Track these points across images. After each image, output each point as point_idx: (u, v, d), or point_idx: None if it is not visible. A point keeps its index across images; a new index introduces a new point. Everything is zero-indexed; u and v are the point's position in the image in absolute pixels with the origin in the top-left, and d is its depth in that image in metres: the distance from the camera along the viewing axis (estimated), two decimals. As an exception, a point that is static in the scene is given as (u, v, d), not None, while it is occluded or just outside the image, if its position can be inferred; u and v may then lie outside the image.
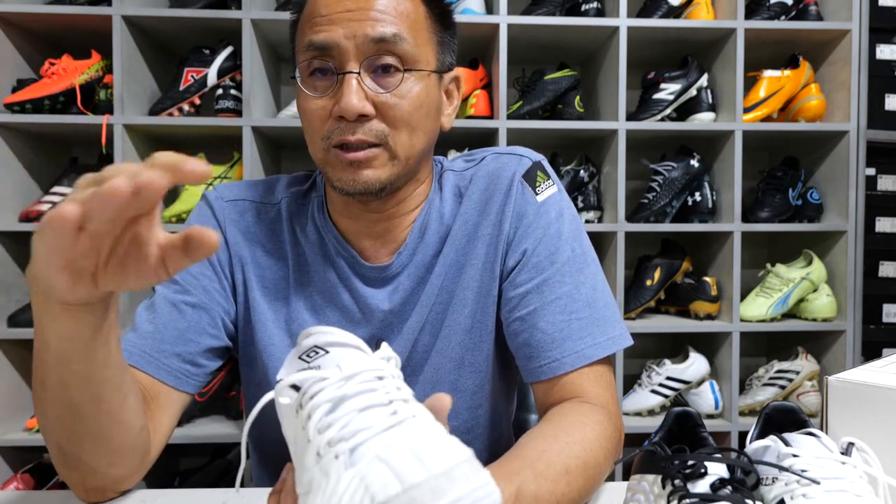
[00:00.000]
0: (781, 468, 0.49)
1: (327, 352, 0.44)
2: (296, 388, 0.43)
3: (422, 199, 0.78)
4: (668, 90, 1.75)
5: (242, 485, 0.73)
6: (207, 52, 1.72)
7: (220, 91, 1.70)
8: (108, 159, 1.66)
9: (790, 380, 1.79)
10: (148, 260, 0.45)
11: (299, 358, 0.45)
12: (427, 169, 0.79)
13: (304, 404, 0.41)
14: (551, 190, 0.78)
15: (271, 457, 0.82)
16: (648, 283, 1.81)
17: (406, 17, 0.68)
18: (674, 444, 0.54)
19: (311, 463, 0.40)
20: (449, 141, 1.88)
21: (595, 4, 1.74)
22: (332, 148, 0.69)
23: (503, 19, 1.65)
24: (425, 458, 0.36)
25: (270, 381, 0.77)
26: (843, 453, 0.50)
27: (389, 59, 0.67)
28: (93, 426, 0.58)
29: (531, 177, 0.77)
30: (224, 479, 1.72)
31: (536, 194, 0.77)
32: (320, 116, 0.69)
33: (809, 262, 1.81)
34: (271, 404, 0.46)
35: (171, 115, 1.66)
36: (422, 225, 0.77)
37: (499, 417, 0.83)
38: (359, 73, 0.67)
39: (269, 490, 0.49)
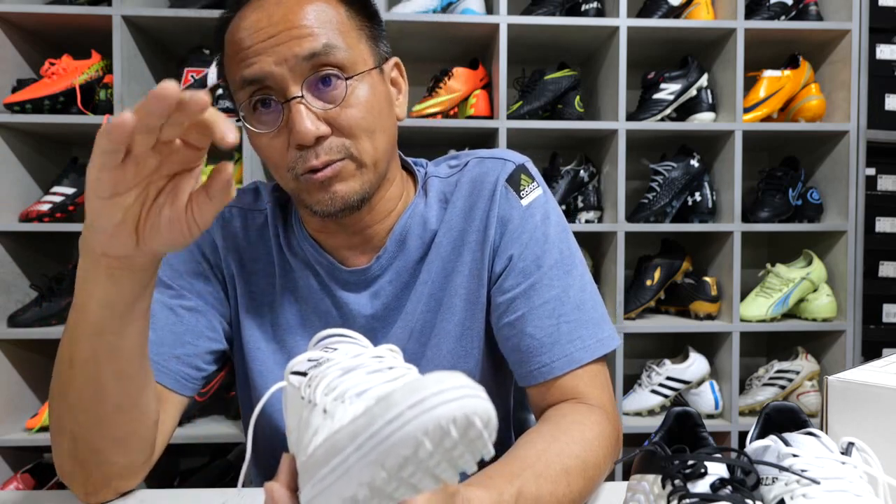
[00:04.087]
0: (781, 468, 0.49)
1: (336, 349, 0.46)
2: (302, 374, 0.46)
3: (395, 202, 0.77)
4: (668, 90, 1.75)
5: (243, 484, 0.73)
6: (207, 52, 1.72)
7: (220, 91, 1.70)
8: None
9: (790, 380, 1.79)
10: (180, 213, 0.49)
11: (309, 358, 0.47)
12: (395, 168, 0.77)
13: (313, 379, 0.44)
14: (536, 193, 0.77)
15: (268, 455, 0.82)
16: (648, 283, 1.81)
17: (329, 24, 0.66)
18: (674, 444, 0.54)
19: (316, 421, 0.41)
20: (449, 141, 1.88)
21: (595, 4, 1.74)
22: (301, 176, 0.67)
23: (503, 19, 1.65)
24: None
25: (257, 385, 0.78)
26: (843, 453, 0.50)
27: (328, 71, 0.66)
28: (114, 406, 0.59)
29: (515, 180, 0.76)
30: (224, 479, 1.72)
31: (521, 198, 0.76)
32: (278, 150, 0.67)
33: (809, 262, 1.81)
34: (268, 406, 0.47)
35: (171, 115, 1.66)
36: (403, 229, 0.76)
37: None
38: (302, 97, 0.65)
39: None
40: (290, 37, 0.64)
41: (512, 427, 0.91)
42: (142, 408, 0.62)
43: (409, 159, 0.82)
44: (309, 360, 0.46)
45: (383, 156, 0.71)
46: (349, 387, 0.41)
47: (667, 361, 1.78)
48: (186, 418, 1.67)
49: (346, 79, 0.66)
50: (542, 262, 0.74)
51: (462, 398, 0.35)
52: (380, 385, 0.41)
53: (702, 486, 0.48)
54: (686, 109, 1.79)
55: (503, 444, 0.67)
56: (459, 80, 1.74)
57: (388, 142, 0.71)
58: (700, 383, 1.76)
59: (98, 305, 0.54)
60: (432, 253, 0.76)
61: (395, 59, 0.76)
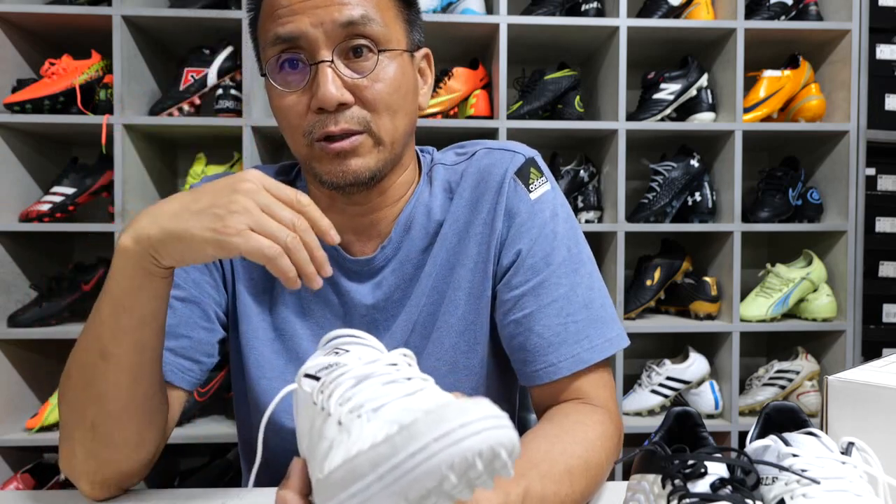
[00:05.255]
0: (781, 468, 0.49)
1: (347, 350, 0.45)
2: (314, 378, 0.45)
3: (406, 188, 0.77)
4: (668, 90, 1.75)
5: (239, 485, 0.72)
6: (207, 52, 1.72)
7: (220, 91, 1.70)
8: (108, 159, 1.66)
9: (790, 380, 1.79)
10: None
11: (323, 356, 0.46)
12: (410, 154, 0.77)
13: (326, 385, 0.43)
14: (545, 187, 0.76)
15: (271, 456, 0.82)
16: (648, 283, 1.81)
17: None
18: (674, 444, 0.54)
19: (331, 433, 0.40)
20: (449, 141, 1.87)
21: (595, 4, 1.74)
22: (316, 142, 0.67)
23: (503, 19, 1.65)
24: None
25: (253, 374, 0.76)
26: (843, 453, 0.50)
27: (362, 42, 0.66)
28: (144, 394, 0.62)
29: (524, 174, 0.76)
30: (224, 478, 1.72)
31: (529, 192, 0.75)
32: (298, 112, 0.67)
33: (809, 262, 1.81)
34: (268, 403, 0.47)
35: (171, 115, 1.66)
36: (408, 218, 0.76)
37: None
38: (332, 61, 0.65)
39: (269, 490, 0.49)
40: (330, 2, 0.65)
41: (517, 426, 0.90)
42: (163, 395, 0.66)
43: (416, 147, 0.82)
44: (321, 364, 0.45)
45: (401, 137, 0.70)
46: (365, 400, 0.40)
47: (667, 361, 1.78)
48: (186, 418, 1.67)
49: (379, 51, 0.67)
50: (550, 260, 0.73)
51: (487, 430, 0.34)
52: (397, 399, 0.40)
53: (702, 486, 0.48)
54: (686, 109, 1.79)
55: None
56: (459, 80, 1.74)
57: (407, 125, 0.71)
58: (700, 383, 1.76)
59: (151, 299, 0.58)
60: (437, 244, 0.75)
61: (426, 50, 0.76)
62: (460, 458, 0.33)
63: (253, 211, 0.53)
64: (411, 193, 0.77)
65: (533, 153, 0.78)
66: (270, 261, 0.52)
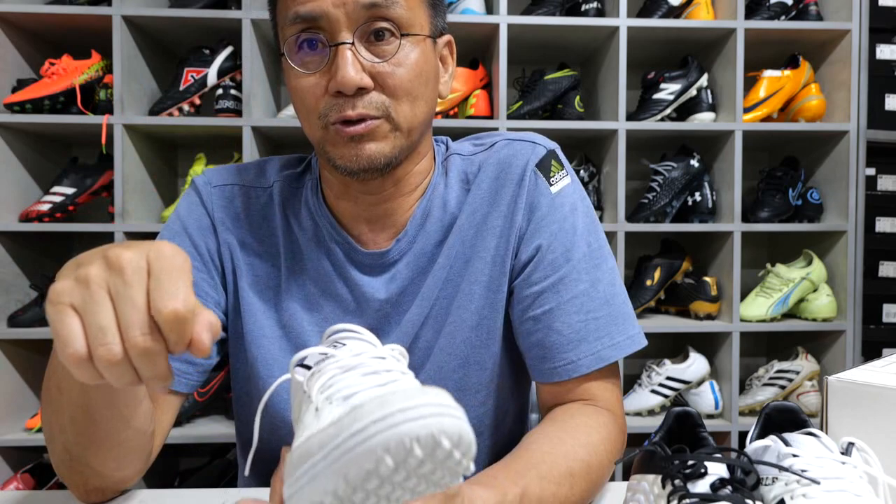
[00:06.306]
0: (781, 468, 0.49)
1: (345, 345, 0.46)
2: (307, 367, 0.45)
3: (422, 178, 0.74)
4: (668, 90, 1.75)
5: (236, 484, 0.71)
6: (207, 52, 1.72)
7: (220, 91, 1.70)
8: (108, 159, 1.66)
9: (790, 380, 1.79)
10: None
11: (319, 352, 0.47)
12: (427, 143, 0.75)
13: (315, 374, 0.43)
14: (565, 181, 0.74)
15: (266, 452, 0.81)
16: (648, 283, 1.81)
17: None
18: (674, 444, 0.54)
19: (308, 419, 0.41)
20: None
21: (595, 4, 1.74)
22: (331, 125, 0.65)
23: (503, 19, 1.65)
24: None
25: (259, 373, 0.74)
26: (843, 453, 0.50)
27: (384, 25, 0.63)
28: (106, 431, 0.57)
29: (545, 166, 0.74)
30: (224, 479, 1.72)
31: (550, 185, 0.73)
32: (315, 94, 0.65)
33: (809, 262, 1.81)
34: (267, 406, 0.47)
35: (171, 115, 1.66)
36: (424, 210, 0.74)
37: (503, 416, 0.79)
38: (352, 44, 0.62)
39: (269, 490, 0.49)
40: None
41: (524, 425, 0.88)
42: (136, 426, 0.60)
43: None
44: (320, 354, 0.45)
45: (419, 126, 0.68)
46: (341, 388, 0.40)
47: (667, 361, 1.78)
48: (186, 418, 1.67)
49: (401, 36, 0.64)
50: (570, 256, 0.71)
51: (429, 416, 0.34)
52: (369, 389, 0.40)
53: (702, 486, 0.48)
54: (686, 109, 1.79)
55: (517, 441, 0.66)
56: (459, 80, 1.74)
57: (426, 113, 0.69)
58: (700, 383, 1.76)
59: None
60: (452, 236, 0.73)
61: (448, 37, 0.74)
62: (396, 441, 0.33)
63: (91, 287, 0.39)
64: (427, 184, 0.75)
65: (553, 145, 0.77)
66: (64, 361, 0.39)
